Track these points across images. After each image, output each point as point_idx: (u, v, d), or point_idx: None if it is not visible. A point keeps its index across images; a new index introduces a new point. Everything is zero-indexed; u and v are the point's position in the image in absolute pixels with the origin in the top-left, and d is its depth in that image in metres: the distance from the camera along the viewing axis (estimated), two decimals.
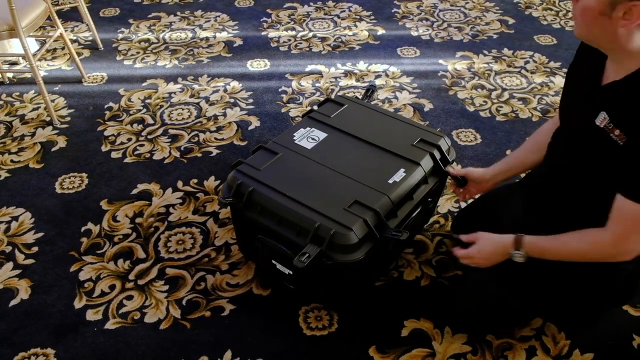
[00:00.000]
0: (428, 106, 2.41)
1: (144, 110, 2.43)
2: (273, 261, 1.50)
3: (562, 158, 1.27)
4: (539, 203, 1.37)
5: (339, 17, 3.16)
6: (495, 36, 2.94)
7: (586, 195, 1.19)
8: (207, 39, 2.95)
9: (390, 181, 1.45)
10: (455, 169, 1.56)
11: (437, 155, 1.56)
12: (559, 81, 2.56)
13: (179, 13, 3.21)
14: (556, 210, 1.31)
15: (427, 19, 3.13)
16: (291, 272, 1.47)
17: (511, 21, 3.08)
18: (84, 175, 2.10)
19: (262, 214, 1.44)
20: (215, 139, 2.25)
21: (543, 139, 1.40)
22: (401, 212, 1.45)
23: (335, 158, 1.53)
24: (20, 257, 1.78)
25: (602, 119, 1.07)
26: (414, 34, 2.98)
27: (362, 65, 2.71)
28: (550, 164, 1.34)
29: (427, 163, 1.53)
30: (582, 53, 1.23)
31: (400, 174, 1.48)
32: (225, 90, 2.54)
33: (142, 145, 2.23)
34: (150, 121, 2.36)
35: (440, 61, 2.73)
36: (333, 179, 1.47)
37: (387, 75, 2.62)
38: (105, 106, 2.46)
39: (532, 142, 1.49)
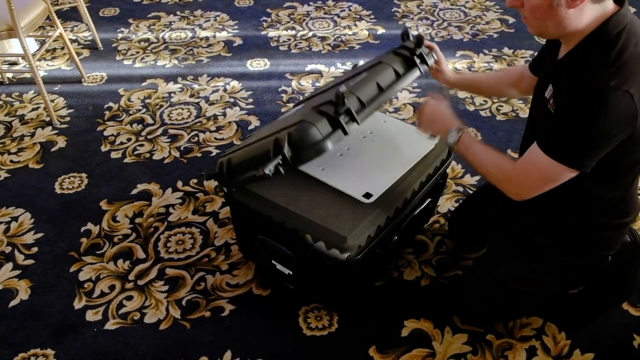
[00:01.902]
0: None
1: (144, 110, 2.43)
2: (273, 261, 1.50)
3: (528, 133, 1.37)
4: None
5: (338, 16, 3.16)
6: (495, 35, 2.94)
7: None
8: (206, 38, 2.95)
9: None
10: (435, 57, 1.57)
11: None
12: None
13: (178, 13, 3.21)
14: None
15: (427, 18, 3.12)
16: (291, 273, 1.47)
17: (511, 20, 3.08)
18: (84, 175, 2.10)
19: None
20: (215, 138, 2.25)
21: (505, 75, 1.54)
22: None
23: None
24: (20, 258, 1.78)
25: (548, 91, 1.17)
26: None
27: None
28: (523, 142, 1.41)
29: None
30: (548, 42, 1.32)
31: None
32: (225, 90, 2.53)
33: (141, 145, 2.23)
34: (150, 121, 2.36)
35: None
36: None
37: None
38: (105, 106, 2.46)
39: (495, 74, 1.63)
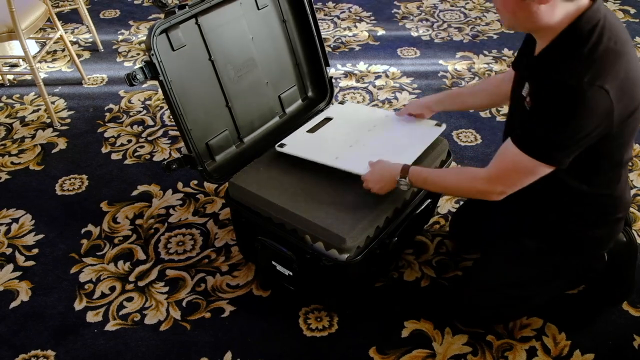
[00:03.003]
0: None
1: (144, 111, 2.43)
2: (273, 262, 1.50)
3: (507, 130, 1.38)
4: None
5: (339, 17, 3.16)
6: (495, 36, 2.94)
7: None
8: None
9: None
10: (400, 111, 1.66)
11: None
12: None
13: None
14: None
15: (427, 20, 3.13)
16: (291, 274, 1.47)
17: None
18: (84, 176, 2.10)
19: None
20: None
21: (488, 86, 1.54)
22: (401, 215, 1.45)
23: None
24: (20, 259, 1.78)
25: (526, 89, 1.17)
26: (414, 34, 2.98)
27: (362, 66, 2.71)
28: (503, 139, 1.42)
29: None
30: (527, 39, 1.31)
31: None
32: None
33: (142, 147, 2.23)
34: (151, 123, 2.36)
35: (441, 62, 2.73)
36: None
37: (387, 76, 2.62)
38: (106, 108, 2.47)
39: (477, 87, 1.59)
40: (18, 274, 1.73)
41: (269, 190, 1.44)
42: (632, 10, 3.16)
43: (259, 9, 1.65)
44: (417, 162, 1.48)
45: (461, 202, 1.91)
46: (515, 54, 1.37)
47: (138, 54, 2.85)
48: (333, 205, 1.38)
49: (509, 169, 1.18)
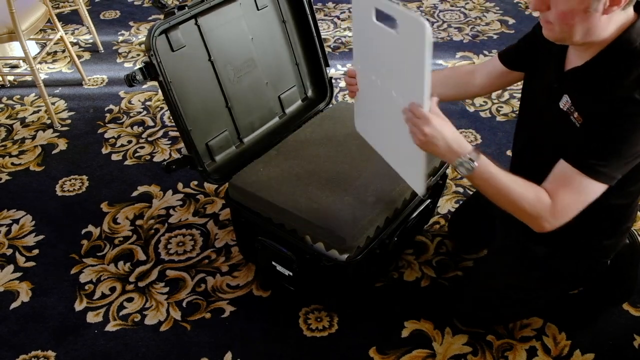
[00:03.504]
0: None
1: (145, 112, 2.44)
2: (273, 262, 1.50)
3: (530, 142, 1.29)
4: None
5: (338, 18, 3.16)
6: (495, 36, 2.94)
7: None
8: None
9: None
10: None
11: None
12: None
13: None
14: None
15: (427, 20, 3.11)
16: (291, 274, 1.47)
17: (511, 21, 3.08)
18: (85, 177, 2.10)
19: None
20: None
21: (455, 75, 1.46)
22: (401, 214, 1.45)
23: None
24: (21, 260, 1.78)
25: (565, 102, 1.10)
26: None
27: None
28: (519, 150, 1.36)
29: None
30: (539, 41, 1.20)
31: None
32: None
33: (142, 148, 2.24)
34: (151, 123, 2.37)
35: (441, 61, 2.73)
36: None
37: None
38: (106, 109, 2.47)
39: (443, 75, 1.49)
40: (18, 274, 1.74)
41: (269, 191, 1.44)
42: None
43: (258, 10, 1.65)
44: None
45: (460, 202, 1.91)
46: (508, 50, 1.33)
47: (138, 55, 2.85)
48: (333, 206, 1.38)
49: (567, 195, 1.07)
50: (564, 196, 1.06)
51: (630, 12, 1.01)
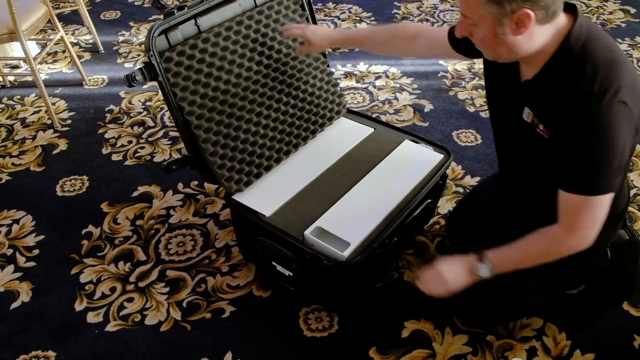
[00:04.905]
0: (428, 107, 2.41)
1: (145, 112, 2.44)
2: (273, 263, 1.50)
3: (508, 152, 1.34)
4: (511, 196, 1.43)
5: (339, 18, 3.16)
6: None
7: (539, 186, 1.24)
8: None
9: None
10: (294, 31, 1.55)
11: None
12: None
13: None
14: (526, 201, 1.36)
15: (427, 20, 3.13)
16: (291, 274, 1.47)
17: None
18: (85, 177, 2.10)
19: None
20: None
21: (396, 39, 1.45)
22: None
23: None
24: (21, 260, 1.78)
25: (527, 114, 1.13)
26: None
27: (362, 66, 2.71)
28: (501, 159, 1.40)
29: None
30: None
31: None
32: None
33: (142, 148, 2.24)
34: (151, 124, 2.37)
35: (441, 62, 2.73)
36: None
37: (387, 77, 2.62)
38: (106, 109, 2.47)
39: (384, 37, 1.50)
40: (19, 274, 1.74)
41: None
42: (633, 10, 3.16)
43: None
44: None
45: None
46: (484, 78, 1.32)
47: (138, 55, 2.85)
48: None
49: (579, 214, 1.10)
50: (580, 222, 1.11)
51: (560, 21, 1.02)
